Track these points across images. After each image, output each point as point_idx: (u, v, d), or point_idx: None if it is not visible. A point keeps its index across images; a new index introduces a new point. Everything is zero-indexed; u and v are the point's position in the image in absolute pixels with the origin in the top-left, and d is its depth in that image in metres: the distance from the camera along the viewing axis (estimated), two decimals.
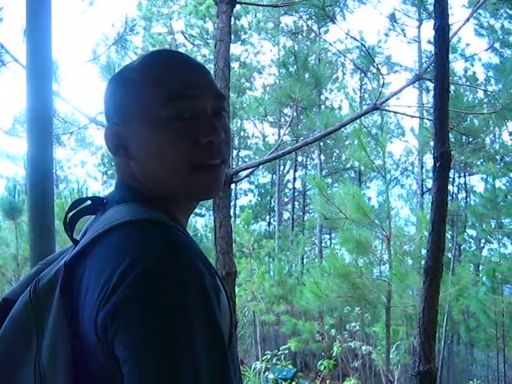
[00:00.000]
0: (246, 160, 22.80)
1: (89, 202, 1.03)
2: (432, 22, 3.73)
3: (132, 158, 1.01)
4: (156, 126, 0.97)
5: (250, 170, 6.12)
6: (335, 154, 25.00)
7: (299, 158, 24.40)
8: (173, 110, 0.97)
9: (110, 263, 0.84)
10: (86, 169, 25.70)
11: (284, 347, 12.72)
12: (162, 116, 0.96)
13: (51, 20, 1.79)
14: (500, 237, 14.20)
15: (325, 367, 11.28)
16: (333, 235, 22.79)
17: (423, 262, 3.66)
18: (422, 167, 20.56)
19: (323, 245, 22.25)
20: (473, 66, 17.37)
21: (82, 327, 0.86)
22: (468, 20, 5.58)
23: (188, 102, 0.98)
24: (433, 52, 3.63)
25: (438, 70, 3.50)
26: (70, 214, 1.00)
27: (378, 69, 6.51)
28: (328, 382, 11.70)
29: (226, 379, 0.81)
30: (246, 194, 27.10)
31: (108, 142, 1.03)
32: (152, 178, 1.00)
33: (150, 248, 0.84)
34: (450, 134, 3.73)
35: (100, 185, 23.84)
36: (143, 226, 0.89)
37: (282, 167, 24.32)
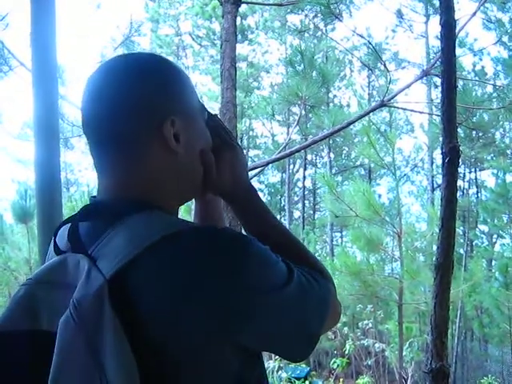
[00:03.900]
0: (256, 159, 22.78)
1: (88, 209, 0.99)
2: (439, 17, 3.71)
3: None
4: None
5: (260, 169, 6.13)
6: (344, 152, 24.97)
7: (309, 157, 24.39)
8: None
9: (188, 272, 0.83)
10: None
11: None
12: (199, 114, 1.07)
13: (55, 24, 1.79)
14: None
15: (338, 365, 11.25)
16: (344, 233, 22.78)
17: (434, 259, 3.64)
18: (432, 163, 20.49)
19: (334, 243, 22.24)
20: (481, 60, 17.27)
21: (150, 339, 0.83)
22: (475, 14, 5.55)
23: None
24: (440, 47, 3.62)
25: (445, 65, 3.48)
26: (63, 221, 0.97)
27: (385, 65, 6.49)
28: (341, 380, 11.67)
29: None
30: None
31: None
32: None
33: (233, 250, 0.87)
34: (459, 130, 3.71)
35: None
36: (207, 233, 0.88)
37: (291, 166, 24.30)
